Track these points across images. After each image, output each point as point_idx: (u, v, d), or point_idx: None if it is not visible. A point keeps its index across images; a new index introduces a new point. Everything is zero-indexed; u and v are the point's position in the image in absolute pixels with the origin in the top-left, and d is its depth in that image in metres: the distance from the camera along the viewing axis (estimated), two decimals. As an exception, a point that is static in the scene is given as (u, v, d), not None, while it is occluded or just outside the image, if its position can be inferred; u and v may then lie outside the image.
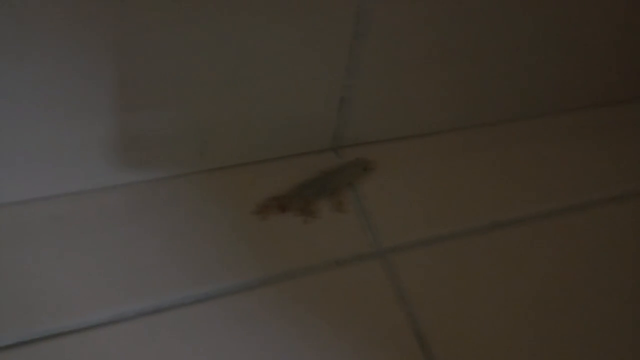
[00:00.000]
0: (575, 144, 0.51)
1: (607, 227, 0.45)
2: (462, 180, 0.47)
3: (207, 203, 0.42)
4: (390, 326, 0.37)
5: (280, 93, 0.40)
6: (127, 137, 0.39)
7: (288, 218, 0.42)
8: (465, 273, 0.41)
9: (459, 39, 0.42)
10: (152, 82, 0.36)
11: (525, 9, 0.42)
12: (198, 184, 0.43)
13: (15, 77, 0.32)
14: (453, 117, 0.50)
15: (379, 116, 0.46)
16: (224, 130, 0.42)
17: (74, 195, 0.40)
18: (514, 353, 0.37)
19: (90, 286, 0.36)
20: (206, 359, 0.34)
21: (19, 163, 0.37)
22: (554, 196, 0.47)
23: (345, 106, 0.44)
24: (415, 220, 0.44)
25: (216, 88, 0.38)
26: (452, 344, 0.37)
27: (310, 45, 0.38)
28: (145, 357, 0.34)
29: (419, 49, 0.41)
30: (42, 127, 0.35)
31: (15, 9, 0.29)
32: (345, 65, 0.40)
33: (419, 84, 0.45)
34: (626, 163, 0.50)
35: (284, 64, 0.38)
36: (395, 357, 0.36)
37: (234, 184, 0.44)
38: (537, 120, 0.53)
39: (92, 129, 0.37)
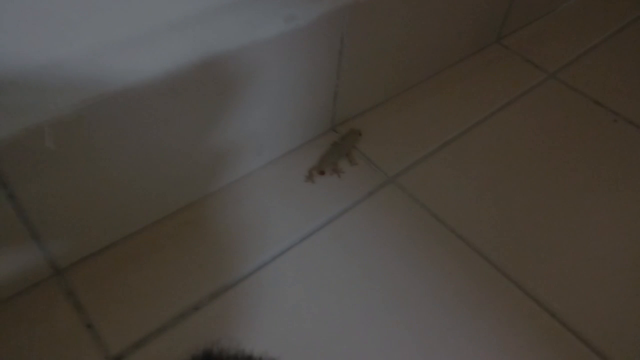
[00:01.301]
0: (477, 81, 0.80)
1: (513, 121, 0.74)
2: (416, 120, 0.73)
3: (274, 184, 0.63)
4: (417, 220, 0.61)
5: (307, 101, 0.62)
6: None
7: (327, 178, 0.65)
8: (449, 172, 0.67)
9: (400, 42, 0.67)
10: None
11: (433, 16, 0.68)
12: (260, 176, 0.64)
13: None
14: (398, 85, 0.75)
15: (355, 98, 0.70)
16: (272, 134, 0.63)
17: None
18: (508, 205, 0.64)
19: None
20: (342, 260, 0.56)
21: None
22: (473, 115, 0.75)
23: (337, 97, 0.67)
24: (400, 152, 0.68)
25: (271, 106, 0.59)
26: (463, 217, 0.62)
27: (317, 65, 0.60)
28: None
29: (375, 51, 0.66)
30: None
31: None
32: (336, 72, 0.63)
33: (376, 72, 0.69)
34: (496, 86, 0.80)
35: (308, 80, 0.60)
36: (431, 240, 0.60)
37: (284, 168, 0.65)
38: (440, 74, 0.81)
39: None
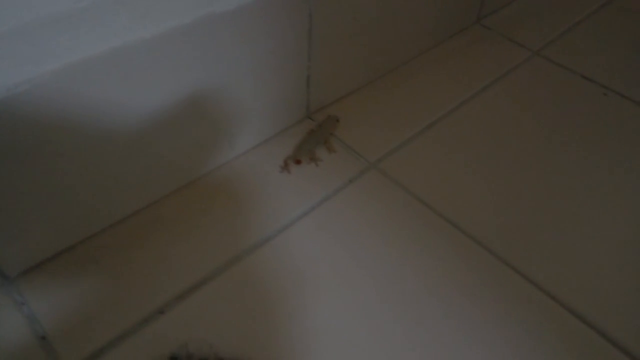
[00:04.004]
0: (452, 65, 0.76)
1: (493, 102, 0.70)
2: (396, 104, 0.69)
3: (247, 175, 0.59)
4: (402, 204, 0.57)
5: (277, 85, 0.58)
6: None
7: (304, 167, 0.60)
8: (434, 155, 0.62)
9: (374, 21, 0.63)
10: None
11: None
12: (232, 169, 0.59)
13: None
14: (377, 68, 0.71)
15: (330, 83, 0.66)
16: (243, 123, 0.58)
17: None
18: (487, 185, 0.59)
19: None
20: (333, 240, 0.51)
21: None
22: (456, 96, 0.71)
23: (310, 82, 0.63)
24: (381, 138, 0.64)
25: (237, 91, 0.55)
26: (451, 201, 0.58)
27: (284, 44, 0.56)
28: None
29: (348, 31, 0.62)
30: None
31: None
32: (307, 53, 0.59)
33: (351, 54, 0.65)
34: (480, 65, 0.77)
35: (276, 62, 0.56)
36: (419, 226, 0.55)
37: (257, 159, 0.61)
38: (421, 56, 0.77)
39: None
